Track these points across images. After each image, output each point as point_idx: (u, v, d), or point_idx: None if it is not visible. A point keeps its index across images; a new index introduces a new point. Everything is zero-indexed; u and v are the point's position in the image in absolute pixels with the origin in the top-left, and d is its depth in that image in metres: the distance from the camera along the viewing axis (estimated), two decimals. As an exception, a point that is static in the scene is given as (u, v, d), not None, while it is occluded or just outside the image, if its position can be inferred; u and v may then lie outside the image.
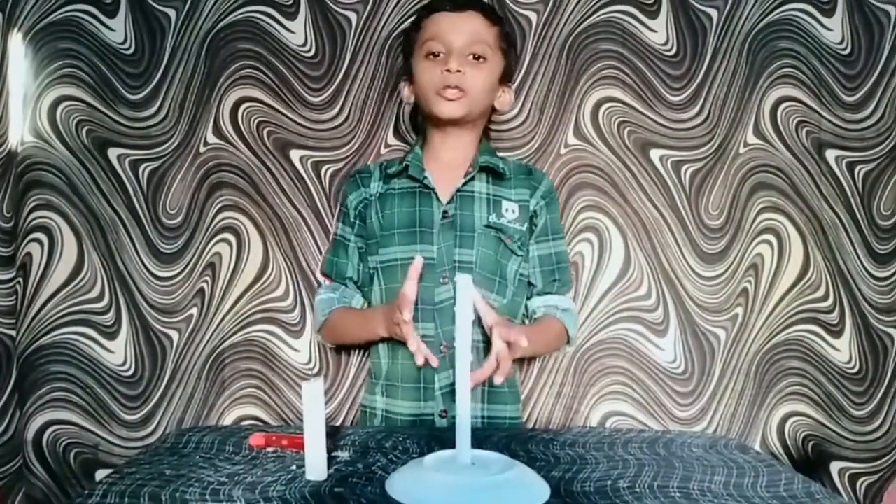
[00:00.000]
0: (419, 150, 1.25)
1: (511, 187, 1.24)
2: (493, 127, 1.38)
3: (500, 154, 1.32)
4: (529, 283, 1.26)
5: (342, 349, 1.35)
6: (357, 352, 1.37)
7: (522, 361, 1.35)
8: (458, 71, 1.14)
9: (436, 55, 1.17)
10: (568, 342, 1.26)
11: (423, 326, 1.16)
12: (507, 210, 1.21)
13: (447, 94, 1.16)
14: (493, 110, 1.28)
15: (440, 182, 1.21)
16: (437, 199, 1.20)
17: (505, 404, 1.20)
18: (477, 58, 1.17)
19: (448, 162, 1.23)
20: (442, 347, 1.15)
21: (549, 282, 1.25)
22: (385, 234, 1.20)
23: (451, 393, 1.12)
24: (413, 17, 1.28)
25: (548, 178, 1.30)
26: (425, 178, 1.20)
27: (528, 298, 1.27)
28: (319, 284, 1.29)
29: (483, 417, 1.16)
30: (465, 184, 1.20)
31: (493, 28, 1.20)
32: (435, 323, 1.16)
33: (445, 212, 1.19)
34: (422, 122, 1.29)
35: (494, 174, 1.23)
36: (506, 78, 1.25)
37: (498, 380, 1.00)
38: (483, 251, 1.18)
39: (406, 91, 1.26)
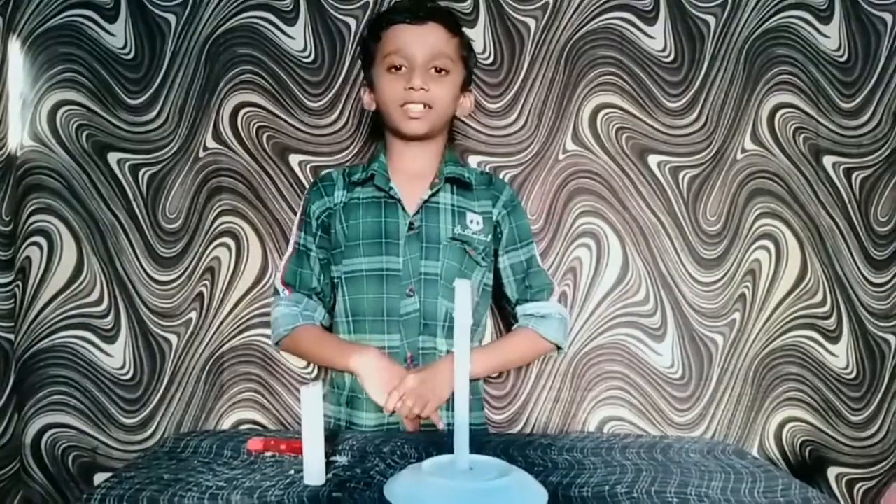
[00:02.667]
0: (384, 159, 1.23)
1: (475, 198, 1.23)
2: (490, 134, 1.39)
3: (497, 160, 1.33)
4: (507, 298, 1.25)
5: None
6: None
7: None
8: (423, 88, 1.13)
9: (398, 68, 1.16)
10: (559, 348, 1.23)
11: (388, 338, 1.16)
12: (471, 221, 1.20)
13: (411, 111, 1.15)
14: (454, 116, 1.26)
15: (406, 192, 1.19)
16: (404, 210, 1.19)
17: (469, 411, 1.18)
18: (439, 70, 1.16)
19: (413, 171, 1.22)
20: (407, 358, 1.15)
21: (522, 289, 1.24)
22: (350, 245, 1.19)
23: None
24: (371, 26, 1.23)
25: (509, 186, 1.28)
26: (391, 188, 1.19)
27: (511, 309, 1.26)
28: (276, 293, 1.21)
29: (449, 425, 1.15)
30: (431, 195, 1.19)
31: (453, 39, 1.17)
32: (400, 334, 1.16)
33: (411, 223, 1.18)
34: (385, 131, 1.25)
35: (459, 184, 1.22)
36: (466, 84, 1.23)
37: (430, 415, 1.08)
38: (448, 263, 1.18)
39: (367, 98, 1.23)
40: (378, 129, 1.33)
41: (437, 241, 1.18)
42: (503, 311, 1.33)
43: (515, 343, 1.23)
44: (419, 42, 1.14)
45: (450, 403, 1.14)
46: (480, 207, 1.22)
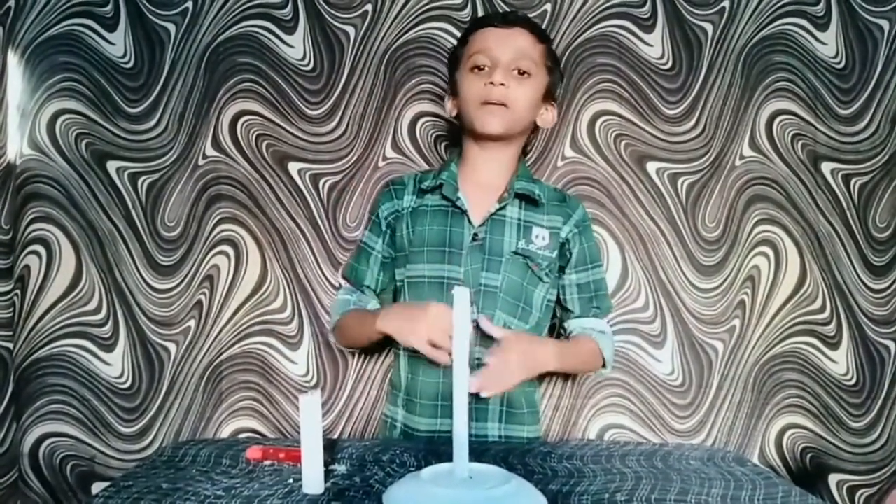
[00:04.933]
0: (454, 168, 1.23)
1: (544, 213, 1.22)
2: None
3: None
4: (566, 309, 1.25)
5: (340, 360, 1.36)
6: (355, 364, 1.37)
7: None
8: (502, 84, 1.14)
9: (481, 68, 1.17)
10: (604, 366, 1.24)
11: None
12: (536, 237, 1.20)
13: (490, 108, 1.15)
14: (535, 128, 1.26)
15: (473, 203, 1.20)
16: (469, 221, 1.19)
17: (522, 424, 1.18)
18: (522, 73, 1.16)
19: (483, 182, 1.22)
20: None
21: (587, 308, 1.24)
22: (414, 251, 1.20)
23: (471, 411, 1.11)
24: (462, 33, 1.26)
25: (582, 205, 1.27)
26: (458, 199, 1.19)
27: (564, 321, 1.27)
28: (340, 286, 1.30)
29: (501, 437, 1.15)
30: (499, 209, 1.19)
31: (539, 45, 1.19)
32: None
33: (476, 234, 1.18)
34: (462, 137, 1.26)
35: (528, 200, 1.22)
36: (549, 96, 1.23)
37: (484, 393, 1.04)
38: (509, 277, 1.17)
39: (449, 104, 1.25)
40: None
41: (499, 254, 1.17)
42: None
43: (587, 349, 1.22)
44: (504, 43, 1.16)
45: (497, 414, 1.16)
46: (549, 223, 1.21)
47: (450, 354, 1.00)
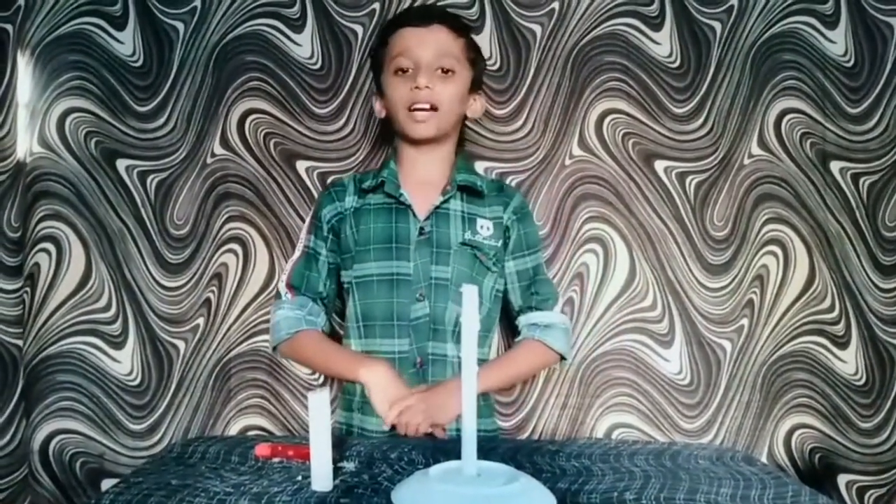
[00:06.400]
0: (393, 166, 1.23)
1: (485, 204, 1.23)
2: (496, 139, 1.39)
3: (503, 166, 1.33)
4: (511, 305, 1.26)
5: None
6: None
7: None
8: (427, 87, 1.14)
9: (404, 71, 1.17)
10: (563, 358, 1.24)
11: (398, 343, 1.16)
12: (481, 227, 1.21)
13: (417, 115, 1.16)
14: (465, 118, 1.27)
15: (416, 198, 1.20)
16: (414, 215, 1.19)
17: (479, 417, 1.18)
18: (445, 71, 1.17)
19: (424, 177, 1.22)
20: (417, 363, 1.15)
21: (527, 296, 1.24)
22: (360, 250, 1.19)
23: None
24: (378, 33, 1.26)
25: (519, 193, 1.29)
26: (402, 195, 1.19)
27: (515, 317, 1.27)
28: (278, 296, 1.22)
29: (457, 430, 1.15)
30: (442, 202, 1.20)
31: (459, 40, 1.19)
32: (410, 339, 1.16)
33: (422, 228, 1.19)
34: (395, 137, 1.26)
35: (470, 191, 1.23)
36: (476, 86, 1.24)
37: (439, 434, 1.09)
38: (459, 268, 1.18)
39: (377, 106, 1.25)
40: (387, 135, 1.34)
41: (447, 246, 1.18)
42: (510, 317, 1.32)
43: (523, 356, 1.23)
44: (424, 43, 1.16)
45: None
46: (491, 213, 1.23)
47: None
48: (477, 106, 1.26)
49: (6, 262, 1.20)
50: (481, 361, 1.20)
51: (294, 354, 1.23)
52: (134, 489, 0.83)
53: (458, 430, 1.15)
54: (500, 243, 1.22)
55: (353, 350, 1.20)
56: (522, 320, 1.25)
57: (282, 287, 1.22)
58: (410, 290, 1.16)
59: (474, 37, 1.28)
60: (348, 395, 1.21)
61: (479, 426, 1.14)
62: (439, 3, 1.38)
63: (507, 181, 1.37)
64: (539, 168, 1.39)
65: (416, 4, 1.38)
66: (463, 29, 1.22)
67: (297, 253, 1.23)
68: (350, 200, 1.23)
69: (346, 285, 1.22)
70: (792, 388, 1.37)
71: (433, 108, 1.16)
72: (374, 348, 1.17)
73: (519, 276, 1.25)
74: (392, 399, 1.08)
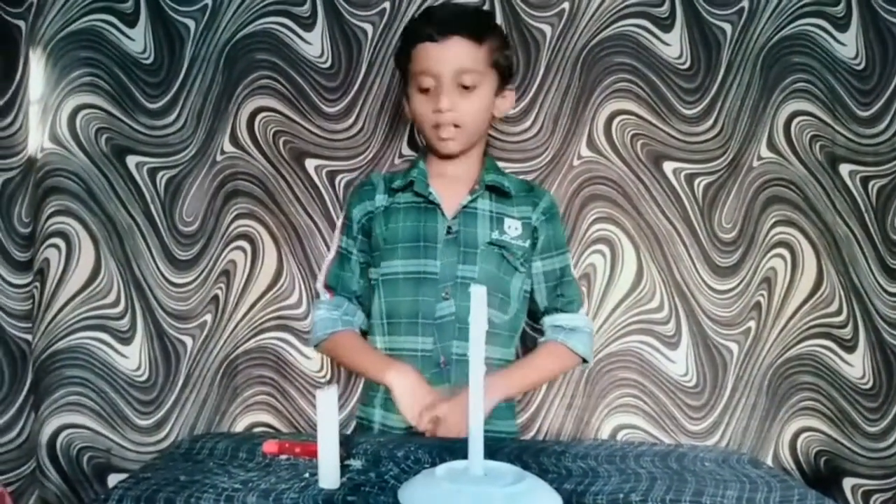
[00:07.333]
0: (423, 165, 1.24)
1: (514, 204, 1.23)
2: (505, 139, 1.39)
3: (512, 166, 1.33)
4: (537, 305, 1.25)
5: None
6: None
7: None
8: (450, 110, 1.14)
9: (427, 90, 1.16)
10: (584, 361, 1.23)
11: (422, 341, 1.16)
12: (509, 227, 1.21)
13: (442, 133, 1.16)
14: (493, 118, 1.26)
15: (445, 197, 1.20)
16: (443, 214, 1.20)
17: (498, 419, 1.18)
18: (466, 87, 1.15)
19: (452, 178, 1.23)
20: (440, 363, 1.16)
21: (553, 297, 1.24)
22: (388, 248, 1.20)
23: None
24: (401, 35, 1.24)
25: (549, 193, 1.29)
26: (430, 193, 1.20)
27: (539, 318, 1.27)
28: (317, 296, 1.26)
29: (484, 432, 1.15)
30: (470, 201, 1.20)
31: (480, 48, 1.15)
32: (434, 338, 1.16)
33: (449, 227, 1.19)
34: (423, 141, 1.27)
35: (499, 192, 1.23)
36: (504, 83, 1.22)
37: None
38: (485, 267, 1.18)
39: (407, 109, 1.25)
40: (397, 131, 1.34)
41: (474, 245, 1.18)
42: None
43: (546, 359, 1.23)
44: (443, 60, 1.14)
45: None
46: (520, 213, 1.22)
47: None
48: (504, 104, 1.23)
49: (16, 257, 1.21)
50: (507, 362, 1.21)
51: (330, 354, 1.25)
52: (143, 484, 0.83)
53: (485, 432, 1.16)
54: (527, 243, 1.22)
55: (381, 352, 1.20)
56: (547, 321, 1.24)
57: (319, 287, 1.24)
58: (436, 288, 1.16)
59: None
60: (371, 391, 1.22)
61: (499, 427, 1.19)
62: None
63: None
64: (547, 168, 1.39)
65: (436, 3, 1.37)
66: (484, 33, 1.17)
67: (332, 253, 1.25)
68: (380, 199, 1.24)
69: (373, 283, 1.23)
70: (798, 391, 1.37)
71: (457, 126, 1.16)
72: (397, 346, 1.18)
73: (546, 277, 1.24)
74: (420, 404, 1.08)
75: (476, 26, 1.17)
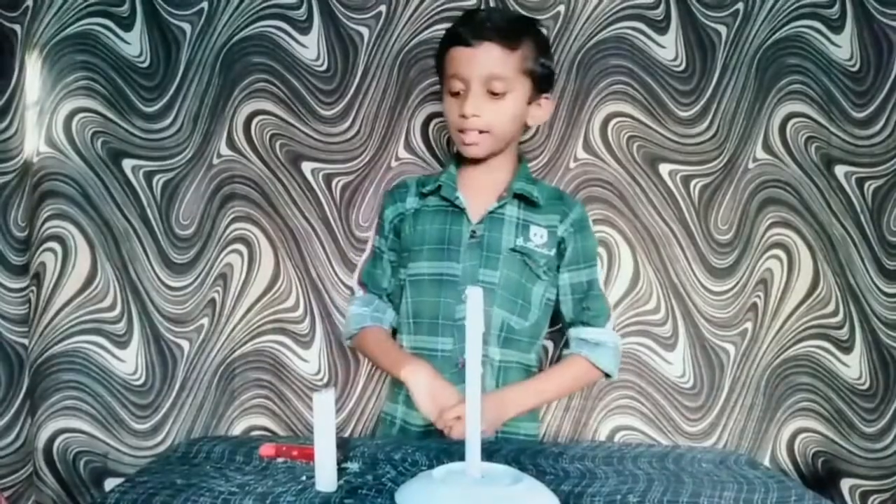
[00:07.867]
0: (454, 170, 1.24)
1: (542, 213, 1.22)
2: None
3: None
4: (563, 317, 1.25)
5: (352, 359, 1.38)
6: (366, 363, 1.38)
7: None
8: (475, 115, 1.14)
9: (456, 94, 1.16)
10: (607, 376, 1.22)
11: (441, 341, 1.17)
12: (535, 234, 1.21)
13: (466, 138, 1.16)
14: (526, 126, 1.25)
15: (473, 202, 1.21)
16: (468, 218, 1.20)
17: (521, 421, 1.19)
18: (495, 93, 1.14)
19: (483, 184, 1.23)
20: (459, 363, 1.16)
21: (579, 310, 1.23)
22: (415, 249, 1.21)
23: None
24: (440, 43, 1.23)
25: (580, 205, 1.27)
26: (457, 198, 1.20)
27: (565, 328, 1.26)
28: (352, 292, 1.30)
29: (497, 432, 1.15)
30: (497, 208, 1.20)
31: (512, 54, 1.14)
32: (453, 338, 1.17)
33: (473, 232, 1.19)
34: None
35: (528, 201, 1.22)
36: (540, 91, 1.20)
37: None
38: (507, 273, 1.18)
39: (445, 108, 1.23)
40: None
41: (497, 250, 1.18)
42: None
43: (566, 373, 1.22)
44: (473, 64, 1.14)
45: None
46: (546, 222, 1.22)
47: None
48: (540, 113, 1.22)
49: (12, 261, 1.21)
50: (527, 367, 1.22)
51: (359, 349, 1.28)
52: (139, 488, 0.83)
53: (503, 432, 1.18)
54: (552, 252, 1.21)
55: (402, 349, 1.21)
56: (573, 333, 1.23)
57: (354, 284, 1.28)
58: (457, 290, 1.17)
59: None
60: (396, 388, 1.23)
61: (522, 430, 1.20)
62: (448, 4, 1.38)
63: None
64: (543, 171, 1.39)
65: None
66: (517, 39, 1.15)
67: (367, 252, 1.29)
68: (411, 202, 1.25)
69: (402, 283, 1.24)
70: (795, 392, 1.37)
71: (484, 131, 1.16)
72: (420, 345, 1.19)
73: (573, 289, 1.23)
74: (441, 404, 1.07)
75: (510, 32, 1.15)
